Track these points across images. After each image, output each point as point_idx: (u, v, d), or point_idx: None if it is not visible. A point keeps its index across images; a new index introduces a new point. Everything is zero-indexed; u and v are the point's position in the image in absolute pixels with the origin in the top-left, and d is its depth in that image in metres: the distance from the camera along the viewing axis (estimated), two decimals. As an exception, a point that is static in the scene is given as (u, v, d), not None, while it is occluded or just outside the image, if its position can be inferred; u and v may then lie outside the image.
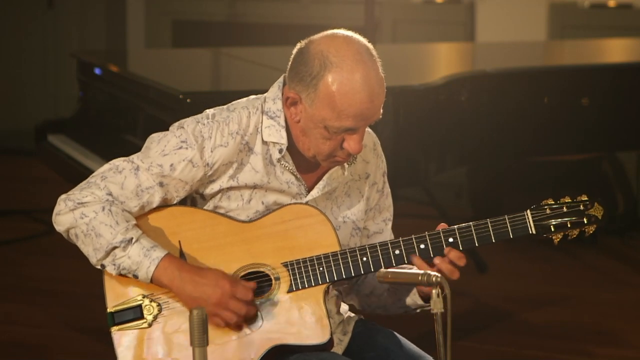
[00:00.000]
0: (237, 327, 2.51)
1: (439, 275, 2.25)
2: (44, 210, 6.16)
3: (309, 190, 2.60)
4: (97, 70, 4.73)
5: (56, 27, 7.83)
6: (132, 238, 2.47)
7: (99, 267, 2.51)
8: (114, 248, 2.47)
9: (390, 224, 2.73)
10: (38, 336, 4.52)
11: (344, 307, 2.76)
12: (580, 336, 4.62)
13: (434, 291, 2.23)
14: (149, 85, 4.17)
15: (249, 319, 2.51)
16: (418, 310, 2.68)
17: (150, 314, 2.52)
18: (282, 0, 7.46)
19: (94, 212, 2.49)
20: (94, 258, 2.50)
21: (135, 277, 2.48)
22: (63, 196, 2.54)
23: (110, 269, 2.49)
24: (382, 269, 2.47)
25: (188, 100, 3.81)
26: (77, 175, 4.12)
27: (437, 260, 2.52)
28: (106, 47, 7.83)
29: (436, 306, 2.23)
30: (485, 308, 4.84)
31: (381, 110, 2.47)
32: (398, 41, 7.02)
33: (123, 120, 4.35)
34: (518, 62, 5.27)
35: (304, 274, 2.52)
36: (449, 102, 4.21)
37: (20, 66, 7.86)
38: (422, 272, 2.27)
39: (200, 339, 2.20)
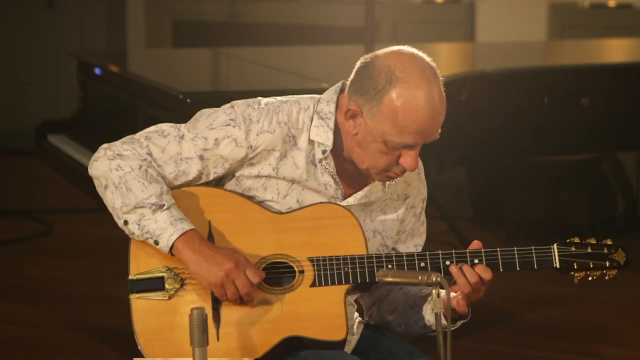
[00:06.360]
0: (255, 312, 2.51)
1: (439, 275, 2.25)
2: (44, 210, 6.17)
3: (346, 197, 2.61)
4: (97, 70, 4.73)
5: (56, 27, 7.83)
6: (164, 204, 2.48)
7: (121, 222, 2.51)
8: (143, 207, 2.47)
9: (420, 250, 2.74)
10: (38, 336, 4.52)
11: (356, 313, 2.78)
12: (581, 336, 4.62)
13: (434, 291, 2.23)
14: (149, 85, 4.17)
15: (263, 304, 2.52)
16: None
17: (172, 287, 2.52)
18: (282, 0, 7.46)
19: (130, 167, 2.50)
20: (119, 211, 2.49)
21: (156, 243, 2.48)
22: (104, 145, 2.56)
23: (132, 227, 2.49)
24: (383, 268, 2.48)
25: (188, 100, 3.81)
26: (77, 175, 4.12)
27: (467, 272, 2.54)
28: (106, 47, 7.83)
29: (436, 306, 2.23)
30: (485, 308, 4.84)
31: (439, 130, 2.49)
32: (398, 41, 6.99)
33: (123, 120, 4.35)
34: (518, 62, 5.27)
35: (328, 272, 2.54)
36: (449, 102, 4.20)
37: (20, 66, 7.86)
38: (422, 272, 2.27)
39: (200, 339, 2.20)
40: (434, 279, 2.24)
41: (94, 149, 4.35)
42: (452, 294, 2.54)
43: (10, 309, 4.82)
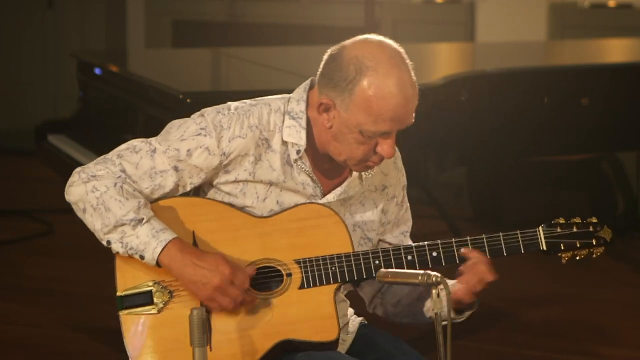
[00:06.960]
0: (245, 319, 2.52)
1: (439, 275, 2.25)
2: (44, 210, 6.17)
3: (325, 194, 2.61)
4: (97, 70, 4.73)
5: (56, 27, 7.83)
6: (143, 218, 2.47)
7: (104, 243, 2.51)
8: (123, 224, 2.47)
9: (408, 235, 2.74)
10: (38, 336, 4.52)
11: (350, 310, 2.77)
12: (580, 336, 4.62)
13: (433, 291, 2.23)
14: (149, 85, 4.17)
15: (253, 310, 2.52)
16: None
17: (161, 300, 2.52)
18: (282, 0, 7.46)
19: (105, 186, 2.49)
20: (100, 232, 2.49)
21: (142, 257, 2.48)
22: (78, 169, 2.55)
23: (116, 247, 2.49)
24: (382, 269, 2.48)
25: (188, 100, 3.82)
26: (77, 175, 4.11)
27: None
28: (106, 47, 7.83)
29: (436, 306, 2.23)
30: (485, 308, 4.82)
31: (413, 114, 2.49)
32: (398, 41, 7.00)
33: (123, 120, 4.35)
34: (518, 62, 5.27)
35: (315, 272, 2.54)
36: (449, 102, 4.21)
37: (20, 66, 7.86)
38: (422, 272, 2.27)
39: (200, 339, 2.21)
40: (434, 279, 2.24)
41: (94, 149, 4.40)
42: (454, 284, 2.54)
43: (10, 309, 4.82)
